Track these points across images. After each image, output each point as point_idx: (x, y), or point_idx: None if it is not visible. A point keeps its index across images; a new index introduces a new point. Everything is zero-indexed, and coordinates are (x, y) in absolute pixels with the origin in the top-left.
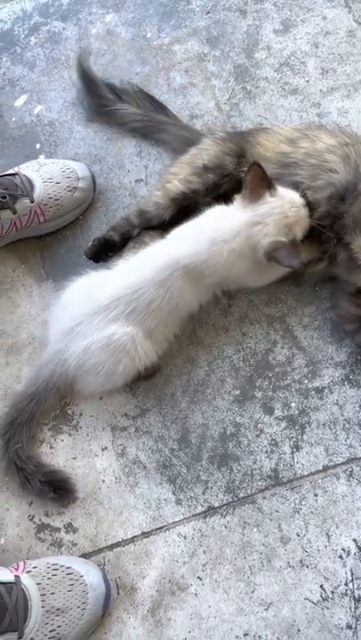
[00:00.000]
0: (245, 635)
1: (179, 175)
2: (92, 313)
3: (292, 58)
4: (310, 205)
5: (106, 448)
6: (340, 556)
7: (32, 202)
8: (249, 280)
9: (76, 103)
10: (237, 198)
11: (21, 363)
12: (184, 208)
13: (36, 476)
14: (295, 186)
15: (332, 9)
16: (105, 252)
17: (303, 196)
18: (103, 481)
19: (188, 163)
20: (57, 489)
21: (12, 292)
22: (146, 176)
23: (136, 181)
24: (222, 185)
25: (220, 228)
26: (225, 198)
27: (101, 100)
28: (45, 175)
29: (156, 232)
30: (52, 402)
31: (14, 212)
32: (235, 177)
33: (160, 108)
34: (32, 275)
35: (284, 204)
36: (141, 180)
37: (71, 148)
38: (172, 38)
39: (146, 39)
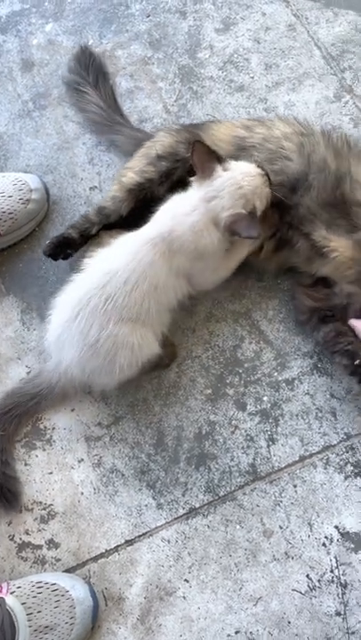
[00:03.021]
0: (237, 632)
1: (134, 168)
2: (68, 319)
3: (236, 55)
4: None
5: (82, 460)
6: (324, 544)
7: None
8: (212, 266)
9: (23, 115)
10: (193, 180)
11: None
12: (141, 201)
13: None
14: None
15: (271, 4)
16: (63, 249)
17: (261, 166)
18: (82, 493)
19: (143, 155)
20: (2, 497)
21: None
22: (100, 183)
23: (90, 189)
24: (176, 171)
25: (179, 205)
26: (180, 186)
27: (79, 77)
28: None
29: (115, 231)
30: (52, 403)
31: None
32: (188, 162)
33: (116, 107)
34: None
35: (237, 175)
36: (95, 187)
37: (22, 161)
38: (115, 44)
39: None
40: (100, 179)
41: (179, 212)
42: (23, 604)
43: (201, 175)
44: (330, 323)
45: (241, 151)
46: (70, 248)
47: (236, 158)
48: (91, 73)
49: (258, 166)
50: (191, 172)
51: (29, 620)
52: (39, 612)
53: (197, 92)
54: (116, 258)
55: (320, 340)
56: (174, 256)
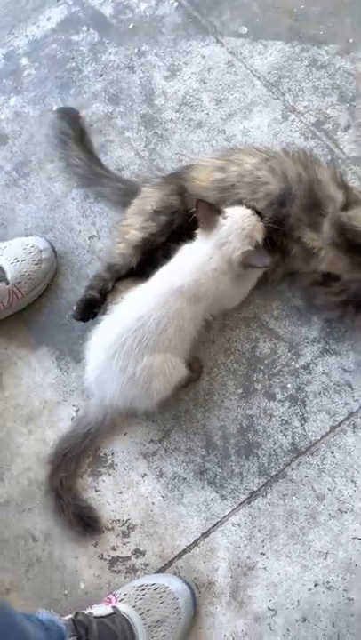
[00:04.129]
0: (316, 585)
1: (134, 225)
2: (106, 359)
3: (188, 97)
4: (259, 213)
5: (145, 474)
6: None
7: (8, 284)
8: (234, 295)
9: (10, 184)
10: (198, 233)
11: (43, 427)
12: (147, 252)
13: (70, 508)
14: (239, 202)
15: (207, 47)
16: (90, 310)
17: (249, 206)
18: (153, 503)
19: (137, 212)
20: (86, 525)
21: (12, 368)
22: (97, 231)
23: (90, 238)
24: (174, 221)
25: (196, 255)
26: (181, 234)
27: (63, 135)
28: (10, 257)
29: (128, 280)
30: (105, 435)
31: None
32: (183, 212)
33: (97, 160)
34: (24, 346)
35: (237, 220)
36: (94, 235)
37: (20, 226)
38: (78, 105)
39: (54, 112)
40: (96, 228)
41: (198, 262)
42: (133, 606)
43: (206, 227)
44: None
45: (225, 192)
46: (95, 307)
47: (224, 199)
48: (74, 129)
49: (247, 207)
50: (194, 226)
51: (143, 619)
52: (149, 610)
53: (162, 135)
54: (146, 304)
55: None
56: (199, 301)
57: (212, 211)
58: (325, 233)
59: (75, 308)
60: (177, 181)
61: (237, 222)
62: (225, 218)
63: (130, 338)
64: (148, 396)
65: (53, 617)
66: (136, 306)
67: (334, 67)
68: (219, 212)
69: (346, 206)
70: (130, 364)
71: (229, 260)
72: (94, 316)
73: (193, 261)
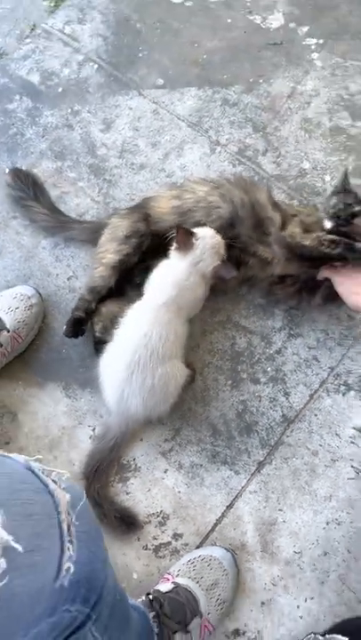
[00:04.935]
0: (328, 523)
1: (109, 250)
2: (126, 378)
3: (126, 144)
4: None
5: (167, 470)
6: (352, 442)
7: (8, 331)
8: (202, 298)
9: None
10: (172, 251)
11: (66, 451)
12: (123, 272)
13: (111, 513)
14: (197, 224)
15: (132, 100)
16: (78, 327)
17: (210, 227)
18: (179, 492)
19: (111, 239)
20: (127, 524)
21: (24, 406)
22: (73, 272)
23: (68, 279)
24: (143, 243)
25: (174, 273)
26: (150, 253)
27: (21, 193)
28: (5, 307)
29: (109, 302)
30: (126, 444)
31: (0, 345)
32: (149, 234)
33: (58, 211)
34: (31, 385)
35: (207, 241)
36: (71, 276)
37: (0, 280)
38: (28, 165)
39: (6, 174)
40: (71, 269)
41: (178, 280)
42: (189, 577)
43: (183, 249)
44: (318, 288)
45: (183, 215)
46: (82, 325)
47: (183, 221)
48: (30, 188)
49: (210, 228)
50: (165, 245)
51: (200, 586)
52: (202, 577)
53: (111, 180)
54: (145, 322)
55: (321, 302)
56: (182, 309)
57: (189, 235)
58: (277, 252)
59: (65, 327)
60: (141, 210)
61: (208, 242)
62: (197, 240)
63: (142, 354)
64: (165, 401)
65: (131, 599)
66: (138, 325)
67: (243, 103)
68: (193, 235)
69: (283, 224)
70: (148, 377)
71: (203, 274)
72: (82, 333)
73: (173, 279)
